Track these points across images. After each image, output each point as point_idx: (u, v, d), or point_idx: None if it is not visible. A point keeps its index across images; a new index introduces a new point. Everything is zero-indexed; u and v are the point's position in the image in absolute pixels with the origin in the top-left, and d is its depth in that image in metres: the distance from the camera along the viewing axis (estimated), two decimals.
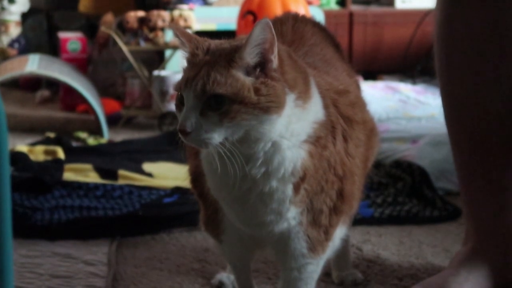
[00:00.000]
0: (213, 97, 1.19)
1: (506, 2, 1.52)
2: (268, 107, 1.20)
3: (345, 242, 1.62)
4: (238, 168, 1.22)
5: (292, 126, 1.24)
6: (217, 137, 1.19)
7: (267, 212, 1.29)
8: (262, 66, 1.21)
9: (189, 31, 3.48)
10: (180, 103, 1.23)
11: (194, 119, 1.19)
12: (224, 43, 1.26)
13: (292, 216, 1.31)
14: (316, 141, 1.28)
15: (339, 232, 1.41)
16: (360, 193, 1.46)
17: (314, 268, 1.38)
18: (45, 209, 2.13)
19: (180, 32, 1.25)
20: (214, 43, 1.25)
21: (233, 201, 1.29)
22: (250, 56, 1.21)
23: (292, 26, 1.50)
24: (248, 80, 1.20)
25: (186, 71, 1.24)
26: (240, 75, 1.20)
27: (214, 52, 1.23)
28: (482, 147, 1.59)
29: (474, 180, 1.63)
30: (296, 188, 1.28)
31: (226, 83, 1.19)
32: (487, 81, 1.56)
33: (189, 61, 1.25)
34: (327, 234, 1.37)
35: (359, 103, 1.48)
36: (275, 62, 1.22)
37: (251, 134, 1.21)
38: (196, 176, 1.39)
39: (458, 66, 1.58)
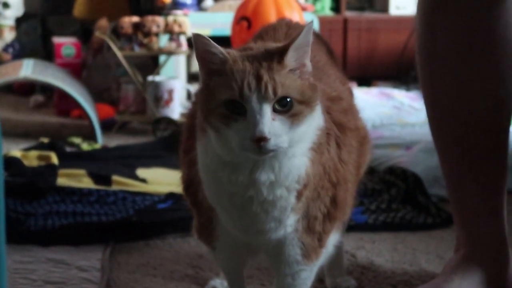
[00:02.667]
0: (281, 100, 1.17)
1: (485, 8, 1.52)
2: (314, 107, 1.22)
3: (339, 248, 1.62)
4: (254, 175, 1.23)
5: (308, 131, 1.24)
6: (287, 140, 1.18)
7: (267, 220, 1.28)
8: (298, 69, 1.22)
9: (183, 36, 3.49)
10: (232, 114, 1.17)
11: (270, 125, 1.16)
12: (253, 47, 1.25)
13: (290, 223, 1.31)
14: (318, 148, 1.28)
15: (333, 239, 1.42)
16: (353, 199, 1.46)
17: (308, 274, 1.38)
18: (38, 215, 2.12)
19: (207, 43, 1.19)
20: (238, 49, 1.24)
21: (233, 208, 1.28)
22: (293, 59, 1.20)
23: (285, 33, 1.50)
24: (300, 81, 1.21)
25: (230, 80, 1.18)
26: (296, 77, 1.20)
27: (255, 57, 1.20)
28: (469, 154, 1.59)
29: (463, 187, 1.63)
30: (299, 196, 1.28)
31: (291, 85, 1.18)
32: (471, 89, 1.56)
33: (225, 70, 1.19)
34: (321, 240, 1.37)
35: (352, 110, 1.48)
36: (309, 65, 1.23)
37: (296, 135, 1.21)
38: (189, 184, 1.39)
39: (441, 75, 1.58)
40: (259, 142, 1.15)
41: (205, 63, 1.20)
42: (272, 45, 1.23)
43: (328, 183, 1.33)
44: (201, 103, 1.22)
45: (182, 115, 3.33)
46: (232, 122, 1.17)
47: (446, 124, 1.61)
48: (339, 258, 1.71)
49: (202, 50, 1.19)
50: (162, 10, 4.04)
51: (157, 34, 3.44)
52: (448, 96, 1.59)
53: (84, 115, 3.28)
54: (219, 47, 1.19)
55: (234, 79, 1.18)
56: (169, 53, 3.46)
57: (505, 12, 1.53)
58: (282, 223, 1.30)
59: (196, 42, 1.18)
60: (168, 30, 3.45)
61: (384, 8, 4.58)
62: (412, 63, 4.13)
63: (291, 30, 1.50)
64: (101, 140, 3.12)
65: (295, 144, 1.21)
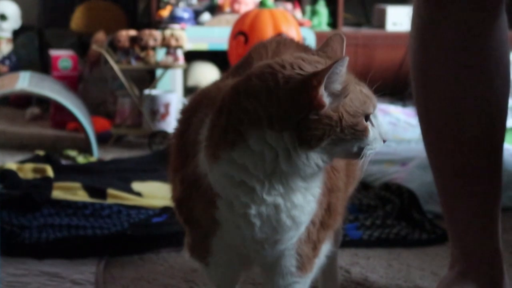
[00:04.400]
0: None
1: (478, 26, 1.53)
2: None
3: (332, 260, 1.62)
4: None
5: None
6: None
7: (291, 227, 1.28)
8: None
9: (180, 50, 3.48)
10: (367, 124, 1.24)
11: None
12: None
13: (303, 231, 1.32)
14: None
15: (325, 249, 1.42)
16: (343, 209, 1.46)
17: (301, 287, 1.38)
18: (33, 228, 2.12)
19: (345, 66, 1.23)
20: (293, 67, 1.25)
21: (258, 219, 1.27)
22: None
23: (273, 50, 1.50)
24: None
25: (360, 95, 1.24)
26: None
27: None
28: (463, 171, 1.60)
29: (458, 204, 1.63)
30: (317, 202, 1.30)
31: None
32: (464, 106, 1.57)
33: (348, 89, 1.23)
34: (316, 250, 1.37)
35: None
36: None
37: None
38: (182, 202, 1.37)
39: (435, 92, 1.59)
40: (385, 141, 1.27)
41: (331, 85, 1.20)
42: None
43: (325, 189, 1.33)
44: (328, 125, 1.21)
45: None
46: (367, 131, 1.23)
47: (439, 140, 1.62)
48: (333, 274, 1.71)
49: (339, 73, 1.20)
50: (159, 24, 4.05)
51: (154, 48, 3.45)
52: (441, 113, 1.59)
53: (80, 128, 3.28)
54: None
55: (362, 93, 1.24)
56: (166, 67, 3.46)
57: (498, 30, 1.54)
58: (299, 230, 1.31)
59: (340, 65, 1.19)
60: (165, 44, 3.45)
61: (381, 24, 4.59)
62: (408, 79, 4.14)
63: (281, 46, 1.50)
64: (96, 153, 3.12)
65: None
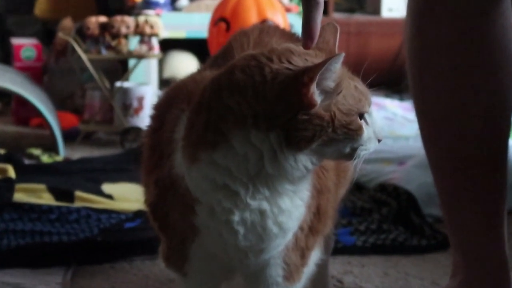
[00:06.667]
0: None
1: (478, 13, 1.53)
2: None
3: (323, 269, 1.63)
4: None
5: None
6: None
7: (278, 235, 1.28)
8: None
9: (155, 38, 3.48)
10: (362, 122, 1.24)
11: None
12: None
13: (289, 238, 1.32)
14: None
15: (314, 256, 1.42)
16: (334, 212, 1.47)
17: None
18: None
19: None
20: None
21: (242, 226, 1.27)
22: None
23: (254, 38, 1.50)
24: None
25: (355, 92, 1.24)
26: None
27: None
28: (464, 169, 1.60)
29: (460, 206, 1.63)
30: (306, 206, 1.30)
31: None
32: (463, 98, 1.57)
33: (342, 85, 1.22)
34: (304, 257, 1.37)
35: None
36: None
37: None
38: (156, 206, 1.37)
39: (433, 83, 1.59)
40: (380, 141, 1.27)
41: (323, 82, 1.19)
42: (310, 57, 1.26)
43: (314, 191, 1.33)
44: (318, 126, 1.20)
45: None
46: (361, 131, 1.22)
47: (439, 136, 1.62)
48: (324, 284, 1.72)
49: (333, 69, 1.19)
50: (132, 10, 4.05)
51: (126, 36, 3.44)
52: (440, 105, 1.59)
53: (44, 124, 3.28)
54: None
55: (356, 89, 1.24)
56: (140, 56, 3.46)
57: (500, 16, 1.54)
58: (286, 237, 1.30)
59: (335, 61, 1.18)
60: (139, 31, 3.45)
61: (376, 10, 4.61)
62: (405, 69, 4.15)
63: (263, 34, 1.50)
64: (63, 152, 3.11)
65: None
